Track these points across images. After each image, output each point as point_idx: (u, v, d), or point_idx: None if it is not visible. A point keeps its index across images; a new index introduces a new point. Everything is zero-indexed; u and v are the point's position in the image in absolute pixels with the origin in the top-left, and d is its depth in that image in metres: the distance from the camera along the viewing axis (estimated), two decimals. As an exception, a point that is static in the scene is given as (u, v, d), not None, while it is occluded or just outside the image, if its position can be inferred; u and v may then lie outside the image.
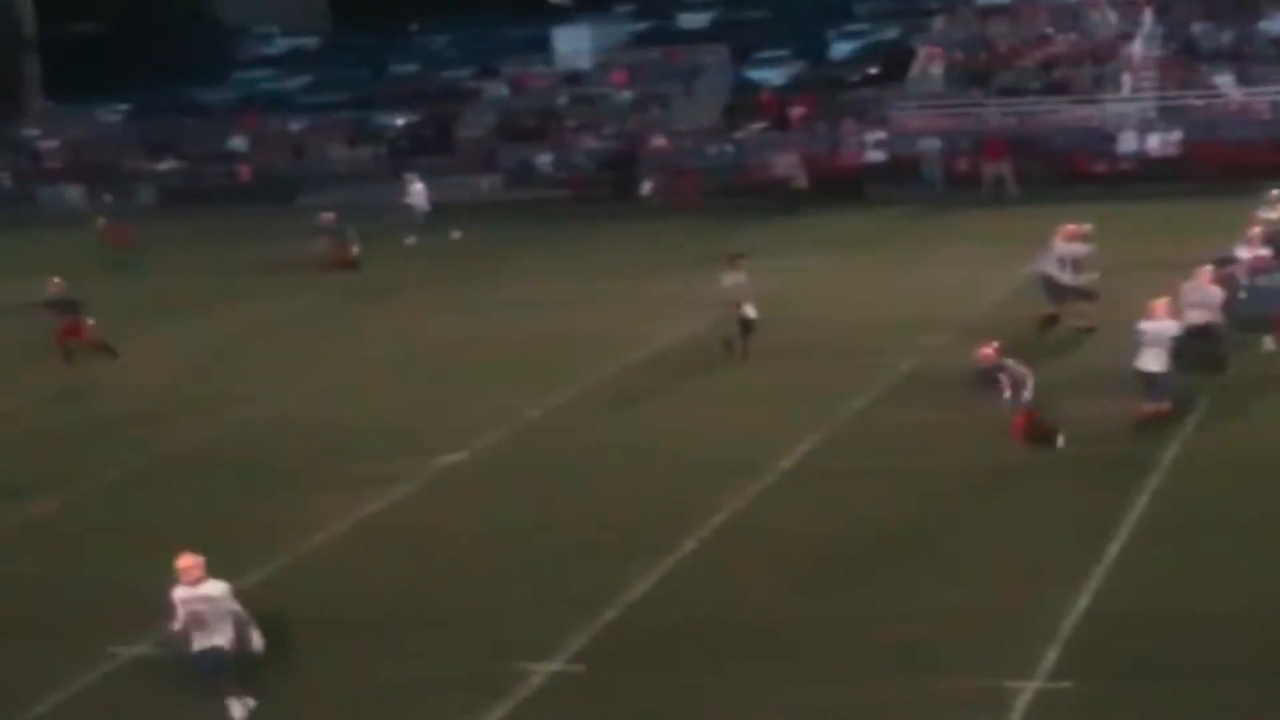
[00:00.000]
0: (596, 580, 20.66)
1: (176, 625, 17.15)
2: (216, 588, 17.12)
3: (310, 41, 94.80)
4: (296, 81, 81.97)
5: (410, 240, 49.57)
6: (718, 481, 24.26)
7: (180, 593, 17.05)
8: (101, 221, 52.69)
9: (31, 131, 76.60)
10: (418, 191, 51.95)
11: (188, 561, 17.15)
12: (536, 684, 17.91)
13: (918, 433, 25.63)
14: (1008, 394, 24.38)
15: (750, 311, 31.74)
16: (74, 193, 68.02)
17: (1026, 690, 17.02)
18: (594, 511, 23.58)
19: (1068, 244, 31.96)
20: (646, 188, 57.80)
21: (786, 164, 56.28)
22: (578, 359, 32.88)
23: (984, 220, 48.21)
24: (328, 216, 46.52)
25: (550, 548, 22.13)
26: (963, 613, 19.10)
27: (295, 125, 72.00)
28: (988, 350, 24.60)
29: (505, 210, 56.70)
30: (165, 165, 69.61)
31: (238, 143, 70.07)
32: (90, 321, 35.04)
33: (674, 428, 27.82)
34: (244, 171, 66.46)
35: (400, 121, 69.76)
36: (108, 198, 64.78)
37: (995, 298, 35.75)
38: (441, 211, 51.24)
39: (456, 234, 49.24)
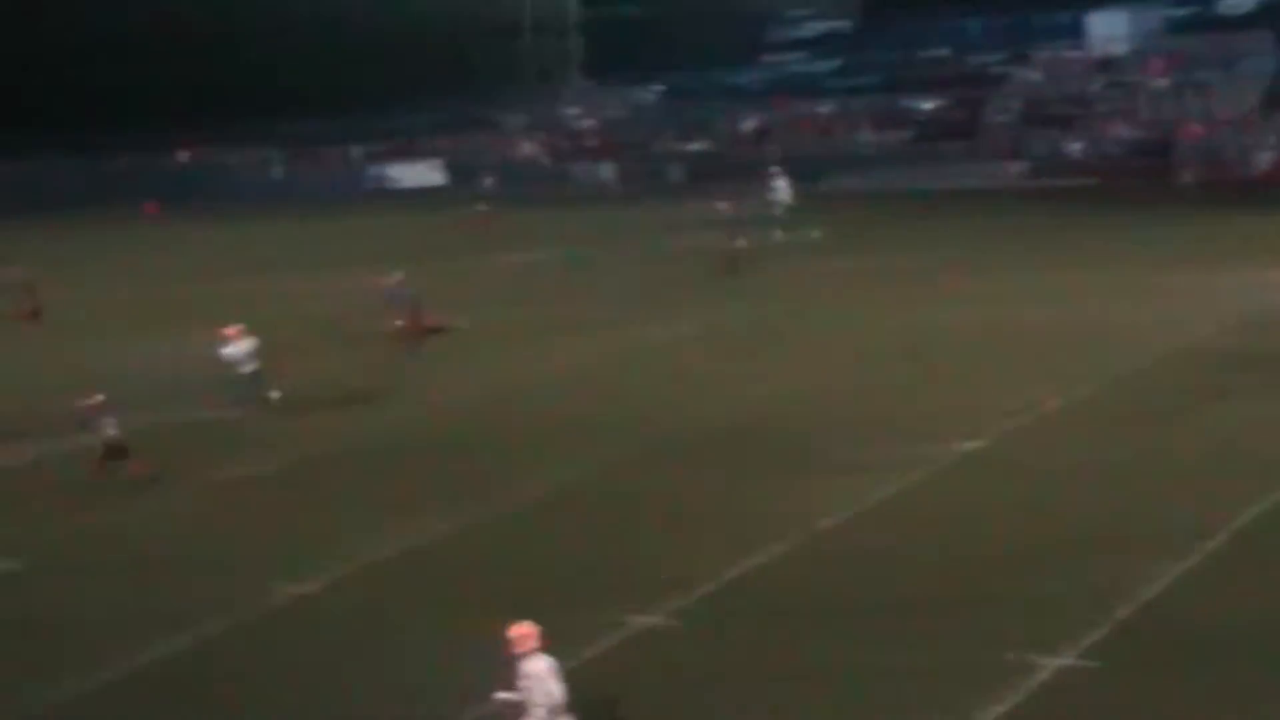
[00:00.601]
0: (1111, 576, 20.10)
1: (513, 696, 15.05)
2: (544, 664, 15.03)
3: (842, 25, 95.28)
4: (826, 65, 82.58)
5: (781, 213, 49.22)
6: (1242, 483, 23.35)
7: (530, 665, 14.96)
8: (482, 207, 54.49)
9: (570, 110, 79.15)
10: (781, 187, 51.70)
11: (524, 630, 15.09)
12: (1042, 678, 17.53)
13: None
14: None
15: None
16: (607, 170, 69.92)
17: None
18: (1110, 506, 22.97)
19: None
20: (1185, 176, 56.33)
21: (1269, 160, 54.15)
22: (1107, 350, 32.18)
23: None
24: (724, 205, 44.29)
25: (1064, 541, 21.64)
26: None
27: (823, 108, 72.56)
28: None
29: (1032, 197, 55.95)
30: (694, 145, 70.96)
31: (766, 124, 70.94)
32: (425, 310, 35.69)
33: (1205, 426, 26.91)
34: (772, 152, 67.14)
35: (928, 106, 69.54)
36: (488, 181, 66.36)
37: None
38: (966, 198, 50.70)
39: (816, 234, 48.51)
